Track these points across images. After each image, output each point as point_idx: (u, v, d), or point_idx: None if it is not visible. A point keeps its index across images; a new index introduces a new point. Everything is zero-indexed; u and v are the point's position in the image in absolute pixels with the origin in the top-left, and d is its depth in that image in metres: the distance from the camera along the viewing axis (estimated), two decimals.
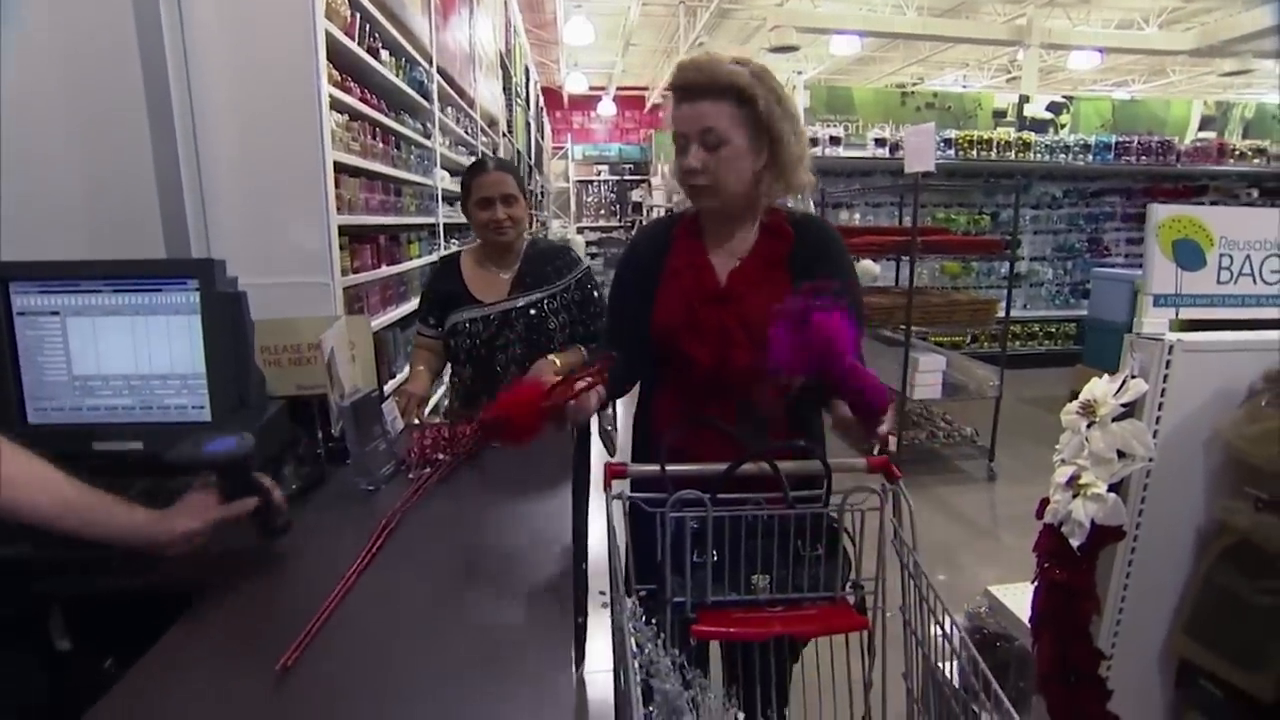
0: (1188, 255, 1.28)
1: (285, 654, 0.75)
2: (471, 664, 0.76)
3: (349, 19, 2.11)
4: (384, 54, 2.54)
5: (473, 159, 4.48)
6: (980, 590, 1.79)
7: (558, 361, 1.62)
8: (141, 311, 1.14)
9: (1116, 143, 5.83)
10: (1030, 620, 1.36)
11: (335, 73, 2.01)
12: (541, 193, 11.83)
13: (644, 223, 11.50)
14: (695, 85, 1.13)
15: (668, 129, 1.20)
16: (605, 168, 15.20)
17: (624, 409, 1.58)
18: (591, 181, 15.41)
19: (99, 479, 1.09)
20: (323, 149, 1.76)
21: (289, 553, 1.03)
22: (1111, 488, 1.21)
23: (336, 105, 2.01)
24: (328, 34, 1.85)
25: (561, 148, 15.09)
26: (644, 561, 1.09)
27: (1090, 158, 5.78)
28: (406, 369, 2.20)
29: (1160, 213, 1.25)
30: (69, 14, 1.57)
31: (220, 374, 1.15)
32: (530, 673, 0.75)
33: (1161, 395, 1.24)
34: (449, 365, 1.87)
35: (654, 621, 1.06)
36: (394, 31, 2.59)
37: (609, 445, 1.96)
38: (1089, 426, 1.23)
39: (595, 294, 1.88)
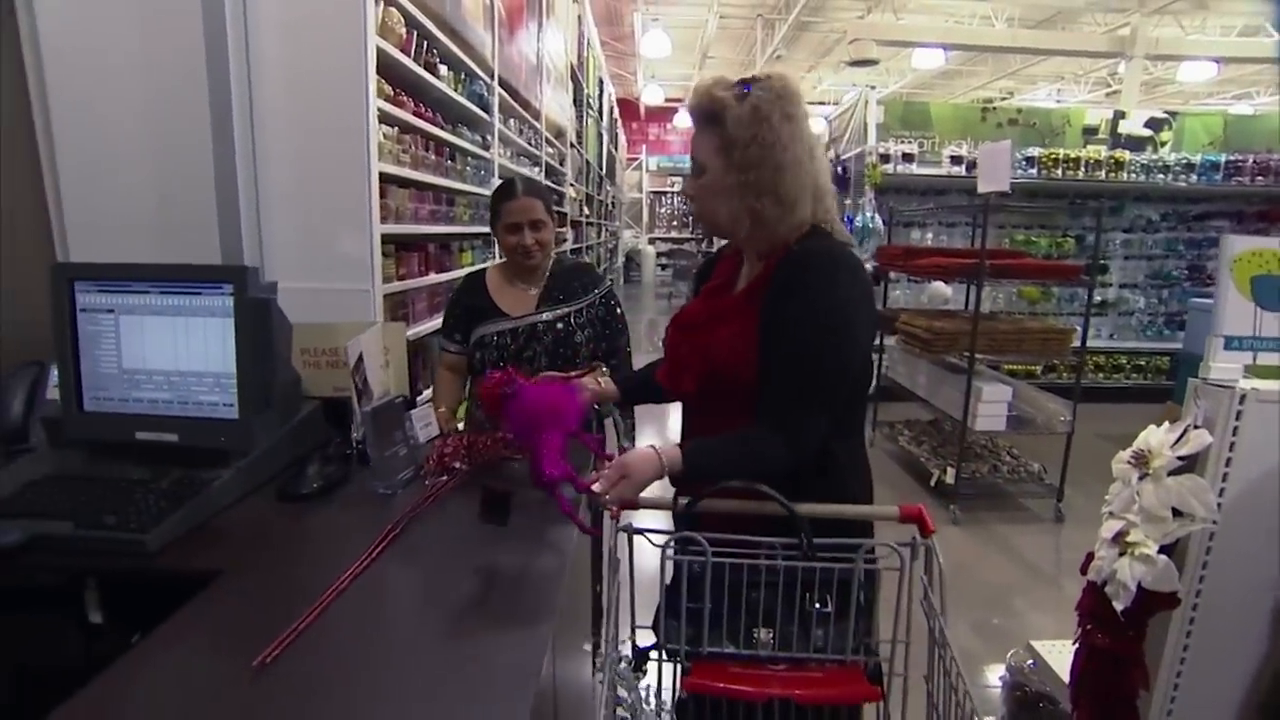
0: (1269, 293, 1.14)
1: (264, 651, 0.76)
2: (452, 678, 0.75)
3: (404, 36, 2.17)
4: (442, 69, 2.61)
5: (536, 170, 4.57)
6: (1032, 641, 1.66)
7: None
8: (183, 313, 1.21)
9: (1227, 161, 5.35)
10: (1069, 684, 1.25)
11: (388, 88, 2.08)
12: (613, 203, 11.98)
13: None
14: (691, 111, 1.14)
15: None
16: (679, 180, 15.25)
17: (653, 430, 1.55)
18: (665, 193, 15.51)
19: (140, 465, 1.18)
20: (369, 161, 1.84)
21: (300, 548, 1.06)
22: (1164, 549, 1.09)
23: (386, 119, 2.08)
24: (382, 51, 1.93)
25: (636, 158, 15.24)
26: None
27: (1194, 178, 5.33)
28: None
29: (1235, 245, 1.13)
30: (145, 35, 1.71)
31: (249, 375, 1.20)
32: (513, 694, 0.73)
33: (1230, 449, 1.11)
34: (469, 383, 1.87)
35: (645, 669, 1.01)
36: (453, 46, 2.66)
37: None
38: (1141, 479, 1.12)
39: (618, 310, 1.88)
